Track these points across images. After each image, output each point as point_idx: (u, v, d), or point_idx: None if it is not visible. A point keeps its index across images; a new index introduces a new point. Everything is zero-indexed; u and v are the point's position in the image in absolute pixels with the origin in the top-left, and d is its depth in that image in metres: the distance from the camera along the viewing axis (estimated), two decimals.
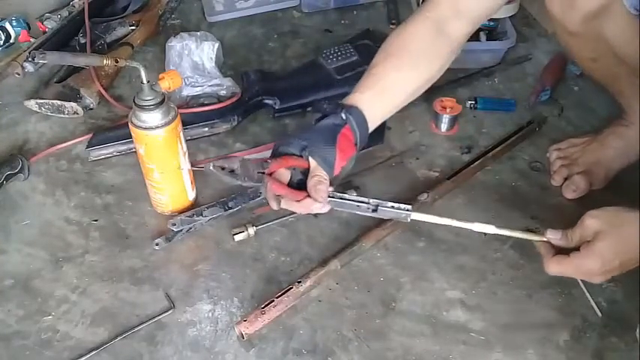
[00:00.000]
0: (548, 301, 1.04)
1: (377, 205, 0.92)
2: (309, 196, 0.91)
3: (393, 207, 0.92)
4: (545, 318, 1.02)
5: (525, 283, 1.06)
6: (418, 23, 1.05)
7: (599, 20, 1.02)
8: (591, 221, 0.83)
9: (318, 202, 0.91)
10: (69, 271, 1.11)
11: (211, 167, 0.92)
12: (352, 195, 0.94)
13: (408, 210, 0.92)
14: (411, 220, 0.92)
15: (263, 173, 0.91)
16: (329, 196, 0.92)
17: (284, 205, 0.93)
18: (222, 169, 0.92)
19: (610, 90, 1.20)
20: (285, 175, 0.94)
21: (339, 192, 0.93)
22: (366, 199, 0.93)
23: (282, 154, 0.94)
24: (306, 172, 0.94)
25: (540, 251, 0.89)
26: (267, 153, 1.29)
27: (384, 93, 1.00)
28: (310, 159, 0.93)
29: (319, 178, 0.92)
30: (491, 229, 0.90)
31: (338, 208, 0.93)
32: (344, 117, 0.96)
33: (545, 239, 0.89)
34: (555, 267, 0.86)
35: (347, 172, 0.97)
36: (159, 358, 0.99)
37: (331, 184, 0.93)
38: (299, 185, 0.94)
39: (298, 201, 0.92)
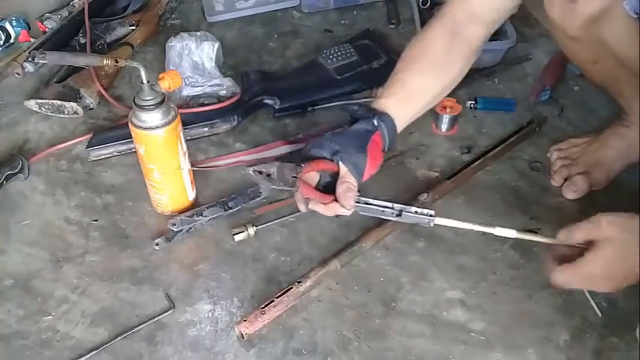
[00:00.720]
0: (548, 301, 1.04)
1: (401, 210, 0.93)
2: (336, 200, 0.93)
3: (416, 212, 0.93)
4: (545, 318, 1.02)
5: (525, 283, 1.06)
6: (436, 29, 1.07)
7: (599, 24, 1.02)
8: (607, 225, 0.81)
9: (346, 208, 0.93)
10: (69, 271, 1.11)
11: (250, 171, 0.95)
12: (377, 200, 0.95)
13: (431, 215, 0.92)
14: (434, 224, 0.92)
15: (296, 177, 0.94)
16: (355, 201, 0.94)
17: (310, 206, 0.95)
18: (260, 173, 0.94)
19: (610, 91, 1.20)
20: (314, 177, 0.96)
21: (364, 197, 0.95)
22: (390, 205, 0.94)
23: (313, 157, 0.95)
24: (334, 176, 0.95)
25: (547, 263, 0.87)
26: (268, 153, 1.31)
27: (409, 98, 1.03)
28: (341, 164, 0.94)
29: (349, 185, 0.93)
30: (512, 233, 0.90)
31: (363, 212, 0.94)
32: (376, 123, 0.97)
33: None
34: (560, 277, 0.84)
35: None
36: (159, 358, 0.99)
37: (358, 190, 0.94)
38: (326, 188, 0.96)
39: (325, 204, 0.93)
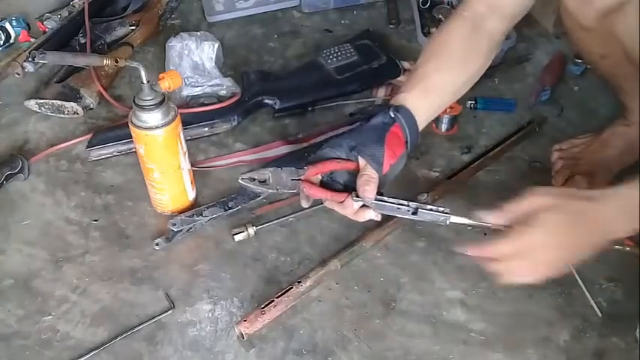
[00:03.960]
0: (548, 301, 1.04)
1: (416, 208, 0.93)
2: (354, 193, 0.92)
3: (432, 210, 0.92)
4: (545, 318, 1.02)
5: (525, 283, 1.06)
6: (455, 23, 1.05)
7: (613, 17, 1.02)
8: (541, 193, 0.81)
9: (367, 199, 0.91)
10: (69, 271, 1.11)
11: (241, 181, 0.94)
12: (392, 198, 0.94)
13: (446, 212, 0.92)
14: (450, 222, 0.91)
15: (298, 179, 0.93)
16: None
17: (327, 205, 0.95)
18: (252, 180, 0.93)
19: (613, 87, 1.20)
20: (317, 179, 0.96)
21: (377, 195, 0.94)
22: (405, 202, 0.93)
23: (326, 158, 0.95)
24: (354, 173, 0.95)
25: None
26: (268, 153, 1.31)
27: (428, 93, 1.01)
28: (359, 158, 0.94)
29: (367, 177, 0.92)
30: None
31: (378, 210, 0.94)
32: (392, 115, 0.97)
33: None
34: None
35: (397, 171, 0.97)
36: (159, 358, 0.99)
37: (381, 187, 0.93)
38: (347, 187, 0.95)
39: (341, 202, 0.93)
